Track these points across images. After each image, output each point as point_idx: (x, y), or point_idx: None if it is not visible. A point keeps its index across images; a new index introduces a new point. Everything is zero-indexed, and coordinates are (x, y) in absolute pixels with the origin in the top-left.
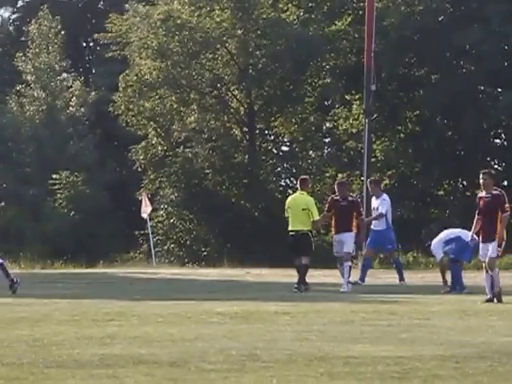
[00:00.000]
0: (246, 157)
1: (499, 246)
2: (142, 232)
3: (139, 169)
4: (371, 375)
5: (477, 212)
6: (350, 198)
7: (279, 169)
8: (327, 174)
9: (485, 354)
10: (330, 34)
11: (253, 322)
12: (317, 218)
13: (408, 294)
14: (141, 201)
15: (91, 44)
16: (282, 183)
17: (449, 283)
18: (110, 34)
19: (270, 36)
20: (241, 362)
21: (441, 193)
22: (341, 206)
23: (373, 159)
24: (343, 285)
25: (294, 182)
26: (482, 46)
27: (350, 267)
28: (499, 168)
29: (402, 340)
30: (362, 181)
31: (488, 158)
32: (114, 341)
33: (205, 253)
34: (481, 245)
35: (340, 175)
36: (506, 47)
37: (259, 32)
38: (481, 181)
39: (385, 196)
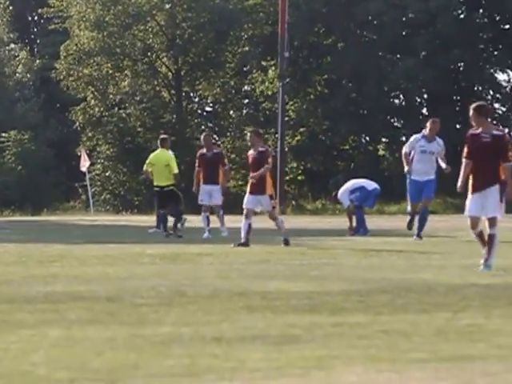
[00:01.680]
0: (174, 116)
1: None
2: (82, 184)
3: (79, 128)
4: (285, 308)
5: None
6: (214, 151)
7: (203, 127)
8: (245, 132)
9: (385, 289)
10: (248, 7)
11: (179, 262)
12: (176, 171)
13: (318, 237)
14: (80, 156)
15: (36, 18)
16: None
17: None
18: (52, 9)
19: (194, 9)
20: (169, 298)
21: (346, 147)
22: (207, 159)
23: (286, 118)
24: (222, 231)
25: (217, 139)
26: (382, 17)
27: (223, 214)
28: (398, 125)
29: (313, 277)
30: (277, 137)
31: (388, 117)
32: (56, 280)
33: (137, 202)
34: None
35: None
36: (404, 18)
37: (185, 6)
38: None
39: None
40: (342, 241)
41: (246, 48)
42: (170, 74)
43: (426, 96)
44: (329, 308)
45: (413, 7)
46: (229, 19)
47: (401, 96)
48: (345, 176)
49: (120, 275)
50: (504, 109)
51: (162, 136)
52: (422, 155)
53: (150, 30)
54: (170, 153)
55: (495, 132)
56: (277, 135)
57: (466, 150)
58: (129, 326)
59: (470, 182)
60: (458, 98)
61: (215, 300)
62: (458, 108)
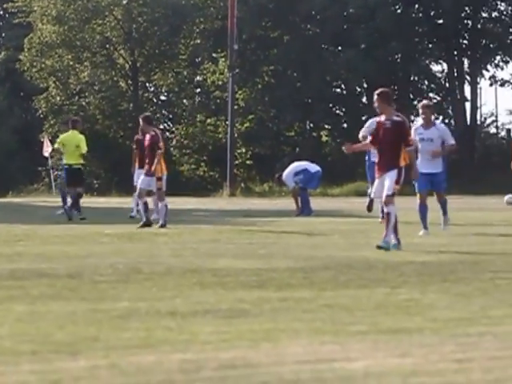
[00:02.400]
0: (131, 105)
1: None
2: (44, 168)
3: (41, 115)
4: (235, 284)
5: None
6: (151, 133)
7: (158, 115)
8: (197, 119)
9: (328, 266)
10: (200, 2)
11: (136, 241)
12: (84, 151)
13: (265, 218)
14: (43, 142)
15: (1, 12)
16: (161, 127)
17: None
18: (16, 4)
19: (149, 4)
20: (126, 275)
21: (292, 134)
22: (143, 144)
23: (236, 106)
24: (156, 217)
25: (171, 125)
26: (325, 12)
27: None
28: (340, 113)
29: (260, 255)
30: (227, 124)
31: (331, 105)
32: (21, 258)
33: (96, 185)
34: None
35: (209, 120)
36: (346, 13)
37: (141, 1)
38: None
39: None
40: (288, 221)
41: (198, 41)
42: (126, 65)
43: (365, 85)
44: (275, 284)
45: (353, 3)
46: (182, 14)
47: (342, 86)
48: (290, 160)
49: (80, 253)
50: (438, 98)
51: (73, 118)
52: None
53: (107, 24)
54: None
55: (396, 118)
56: (227, 122)
57: (371, 137)
58: (88, 301)
59: (376, 166)
60: (396, 87)
61: (169, 277)
62: (395, 97)
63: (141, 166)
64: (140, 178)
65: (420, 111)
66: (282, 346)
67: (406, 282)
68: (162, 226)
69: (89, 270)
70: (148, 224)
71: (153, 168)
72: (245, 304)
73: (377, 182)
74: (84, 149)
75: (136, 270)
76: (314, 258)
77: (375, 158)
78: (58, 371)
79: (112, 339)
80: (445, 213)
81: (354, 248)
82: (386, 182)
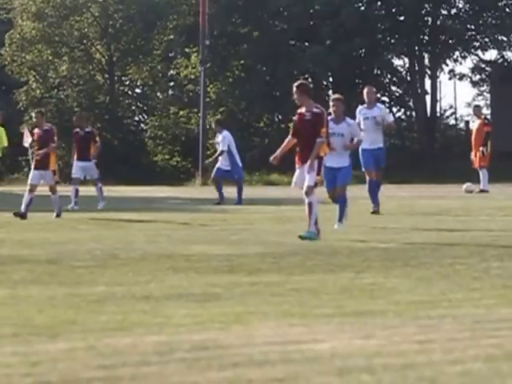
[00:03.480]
0: (107, 98)
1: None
2: (25, 158)
3: (22, 108)
4: (207, 269)
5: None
6: (86, 129)
7: (133, 107)
8: (171, 111)
9: (296, 252)
10: (173, 0)
11: (112, 228)
12: (5, 144)
13: (236, 206)
14: (23, 133)
15: None
16: (136, 119)
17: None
18: None
19: (125, 2)
20: (103, 260)
21: (261, 125)
22: (80, 137)
23: (208, 99)
24: (99, 204)
25: (146, 117)
26: (292, 9)
27: (101, 187)
28: None
29: (232, 241)
30: (199, 116)
31: None
32: (2, 244)
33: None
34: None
35: (181, 112)
36: (312, 10)
37: None
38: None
39: (225, 133)
40: (258, 209)
41: (172, 36)
42: (103, 59)
43: (331, 79)
44: (246, 269)
45: (319, 0)
46: (155, 11)
47: (309, 79)
48: (260, 151)
49: (59, 240)
50: (400, 91)
51: None
52: (364, 122)
53: (85, 20)
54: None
55: (315, 110)
56: (199, 114)
57: (292, 127)
58: (67, 285)
59: (296, 156)
60: (360, 81)
61: (144, 262)
62: (359, 90)
63: (81, 158)
64: (31, 174)
65: (330, 104)
66: (252, 329)
67: (369, 266)
68: (58, 215)
69: (67, 256)
70: (23, 215)
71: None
72: (216, 288)
73: (298, 172)
74: (5, 142)
75: (112, 255)
76: (283, 244)
77: (365, 145)
78: (38, 353)
79: (89, 322)
80: (342, 212)
81: (320, 234)
82: (307, 173)
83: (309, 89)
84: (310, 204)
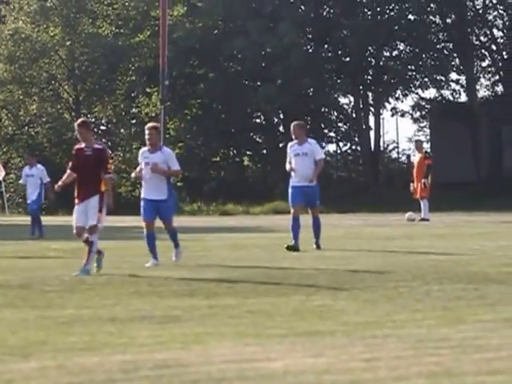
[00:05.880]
0: (74, 134)
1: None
2: None
3: None
4: (168, 293)
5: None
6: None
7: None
8: (133, 146)
9: (251, 276)
10: (135, 43)
11: (80, 255)
12: None
13: (195, 234)
14: None
15: None
16: None
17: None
18: None
19: (90, 46)
20: (72, 285)
21: (217, 159)
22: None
23: (167, 135)
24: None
25: (110, 152)
26: (245, 52)
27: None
28: (260, 141)
29: (191, 267)
30: None
31: (251, 134)
32: None
33: (44, 204)
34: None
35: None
36: (263, 52)
37: (82, 42)
38: None
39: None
40: (215, 237)
41: (134, 77)
42: (70, 99)
43: (282, 116)
44: (204, 293)
45: (270, 43)
46: (118, 54)
47: (261, 116)
48: (217, 183)
49: (30, 266)
50: (346, 127)
51: None
52: (295, 158)
53: (53, 62)
54: None
55: (96, 146)
56: None
57: (71, 162)
58: (38, 308)
59: (76, 193)
60: (309, 118)
61: (110, 286)
62: (308, 127)
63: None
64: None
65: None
66: (210, 348)
67: (319, 289)
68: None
69: (38, 281)
70: None
71: None
72: (177, 310)
73: (79, 209)
74: None
75: (80, 281)
76: (238, 269)
77: (294, 181)
78: (11, 371)
79: (59, 343)
80: (176, 244)
81: (273, 260)
82: (90, 211)
83: (89, 125)
84: (91, 243)
